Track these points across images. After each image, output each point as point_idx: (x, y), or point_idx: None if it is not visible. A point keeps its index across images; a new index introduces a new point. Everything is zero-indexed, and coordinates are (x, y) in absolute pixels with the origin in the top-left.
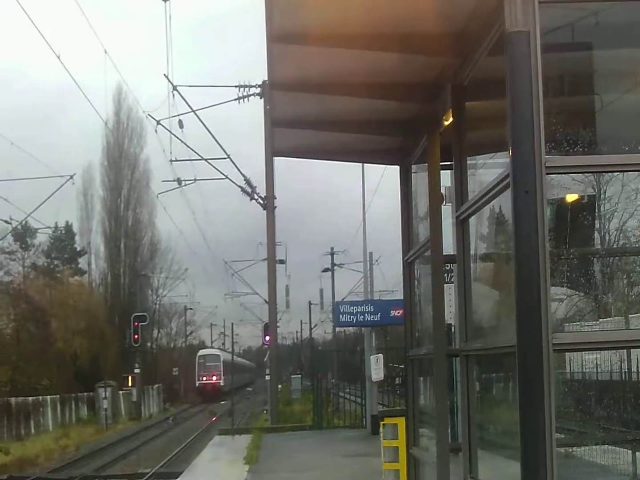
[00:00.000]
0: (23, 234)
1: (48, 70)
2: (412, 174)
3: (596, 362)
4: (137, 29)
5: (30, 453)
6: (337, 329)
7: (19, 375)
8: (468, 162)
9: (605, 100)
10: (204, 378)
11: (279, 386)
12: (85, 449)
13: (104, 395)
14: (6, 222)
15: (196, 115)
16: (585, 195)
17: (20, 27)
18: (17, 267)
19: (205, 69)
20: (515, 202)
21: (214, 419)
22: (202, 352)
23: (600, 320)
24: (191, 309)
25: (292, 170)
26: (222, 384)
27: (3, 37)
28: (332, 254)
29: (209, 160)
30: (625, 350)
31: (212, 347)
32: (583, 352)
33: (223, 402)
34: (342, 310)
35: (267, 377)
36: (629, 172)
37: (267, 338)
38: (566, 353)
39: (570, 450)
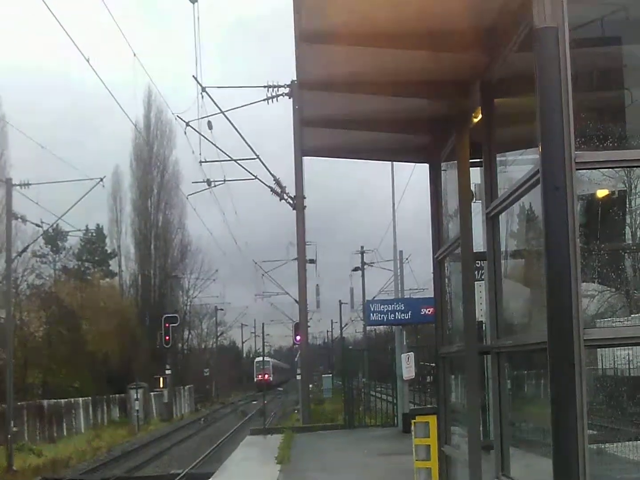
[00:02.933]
0: (54, 237)
1: (78, 73)
2: (442, 172)
3: (628, 358)
4: (166, 31)
5: (62, 455)
6: (368, 328)
7: (51, 378)
8: (498, 158)
9: (635, 95)
10: (260, 376)
11: (310, 385)
12: (117, 450)
13: (135, 397)
14: (37, 225)
15: (225, 116)
16: (616, 190)
17: (50, 29)
18: (49, 270)
19: (233, 70)
20: (546, 198)
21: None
22: (257, 359)
23: (632, 315)
24: (222, 309)
25: (322, 170)
26: (271, 379)
27: (32, 38)
28: (362, 253)
29: (238, 161)
30: None
31: (264, 355)
32: (615, 348)
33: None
34: (372, 309)
35: (298, 377)
36: None
37: (298, 338)
38: (597, 349)
39: (603, 446)
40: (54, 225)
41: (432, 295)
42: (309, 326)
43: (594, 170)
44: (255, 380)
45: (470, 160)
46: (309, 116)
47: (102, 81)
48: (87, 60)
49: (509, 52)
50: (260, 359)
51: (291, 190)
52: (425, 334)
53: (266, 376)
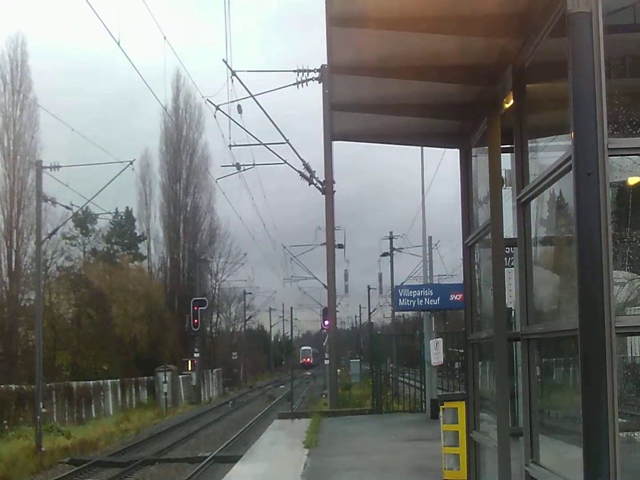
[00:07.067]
0: (84, 220)
1: (108, 56)
2: (472, 157)
3: None
4: (196, 15)
5: (91, 436)
6: (396, 313)
7: (80, 360)
8: (529, 144)
9: None
10: (304, 359)
11: (338, 370)
12: (145, 432)
13: (164, 380)
14: (67, 207)
15: (255, 100)
16: None
17: (80, 12)
18: (78, 252)
19: (264, 53)
20: (577, 184)
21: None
22: (302, 348)
23: None
24: (250, 293)
25: (351, 155)
26: (312, 361)
27: (62, 21)
28: (391, 239)
29: (267, 145)
30: None
31: (307, 346)
32: None
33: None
34: (401, 295)
35: (326, 362)
36: None
37: (326, 322)
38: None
39: (633, 435)
40: (84, 208)
41: (461, 281)
42: (337, 311)
43: (624, 157)
44: (300, 361)
45: (502, 146)
46: (339, 100)
47: (132, 63)
48: (118, 43)
49: (542, 38)
50: (305, 347)
51: (320, 174)
52: (454, 320)
53: (308, 359)
